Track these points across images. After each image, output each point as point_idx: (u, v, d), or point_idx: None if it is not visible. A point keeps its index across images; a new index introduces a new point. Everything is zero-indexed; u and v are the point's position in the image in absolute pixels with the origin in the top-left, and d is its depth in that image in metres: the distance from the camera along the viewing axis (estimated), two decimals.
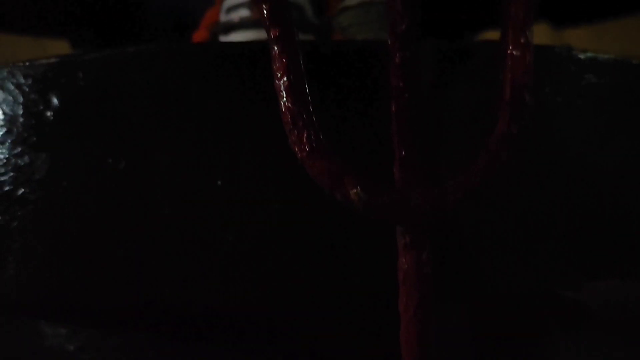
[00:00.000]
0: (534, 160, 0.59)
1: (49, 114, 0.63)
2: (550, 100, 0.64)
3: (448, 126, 0.53)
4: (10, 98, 0.64)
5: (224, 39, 1.37)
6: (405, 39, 0.45)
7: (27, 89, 0.64)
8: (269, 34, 0.44)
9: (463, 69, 0.64)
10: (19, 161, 0.64)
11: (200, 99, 0.61)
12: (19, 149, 0.64)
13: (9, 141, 0.64)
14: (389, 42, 0.46)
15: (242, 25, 1.33)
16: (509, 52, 0.45)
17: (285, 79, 0.42)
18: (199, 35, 1.47)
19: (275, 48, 0.43)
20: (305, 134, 0.42)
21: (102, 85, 0.62)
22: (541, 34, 3.63)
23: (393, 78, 0.45)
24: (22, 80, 0.65)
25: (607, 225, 0.64)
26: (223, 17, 1.39)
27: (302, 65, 0.44)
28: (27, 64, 0.65)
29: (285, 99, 0.42)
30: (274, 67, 0.44)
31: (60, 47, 3.48)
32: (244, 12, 1.34)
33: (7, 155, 0.64)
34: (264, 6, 0.43)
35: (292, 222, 0.56)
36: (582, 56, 0.69)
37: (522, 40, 0.44)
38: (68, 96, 0.62)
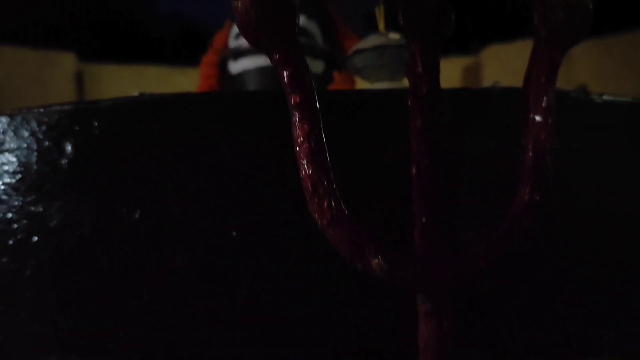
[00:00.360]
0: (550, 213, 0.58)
1: (63, 161, 0.63)
2: (566, 147, 0.63)
3: (468, 184, 0.53)
4: (25, 145, 0.63)
5: (233, 64, 1.37)
6: (426, 102, 0.44)
7: (41, 136, 0.64)
8: (289, 100, 0.44)
9: (481, 117, 0.64)
10: (33, 209, 0.63)
11: (216, 148, 0.61)
12: (33, 197, 0.64)
13: (23, 188, 0.64)
14: (409, 104, 0.46)
15: (251, 51, 1.33)
16: (530, 116, 0.44)
17: (306, 145, 0.41)
18: (208, 59, 1.47)
19: (296, 114, 0.42)
20: (325, 202, 0.41)
21: (117, 134, 0.62)
22: None
23: (414, 142, 0.45)
24: (36, 127, 0.65)
25: (627, 274, 0.63)
26: (232, 43, 1.39)
27: (323, 131, 0.44)
28: (42, 110, 0.65)
29: (305, 165, 0.42)
30: (295, 133, 0.43)
31: (66, 60, 3.50)
32: None
33: (21, 203, 0.64)
34: (285, 72, 0.43)
35: (308, 278, 0.55)
36: (598, 100, 0.69)
37: (543, 105, 0.44)
38: (82, 144, 0.62)
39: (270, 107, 0.60)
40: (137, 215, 0.61)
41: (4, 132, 0.67)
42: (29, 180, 0.64)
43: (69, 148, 0.64)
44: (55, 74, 3.42)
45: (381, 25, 0.83)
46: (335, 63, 1.42)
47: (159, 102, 0.63)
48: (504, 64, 3.61)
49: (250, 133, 0.61)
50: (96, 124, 0.63)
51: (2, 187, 0.66)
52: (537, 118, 0.43)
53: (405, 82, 0.79)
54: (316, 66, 1.37)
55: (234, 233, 0.60)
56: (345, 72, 1.39)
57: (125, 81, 3.72)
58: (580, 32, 0.46)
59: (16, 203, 0.64)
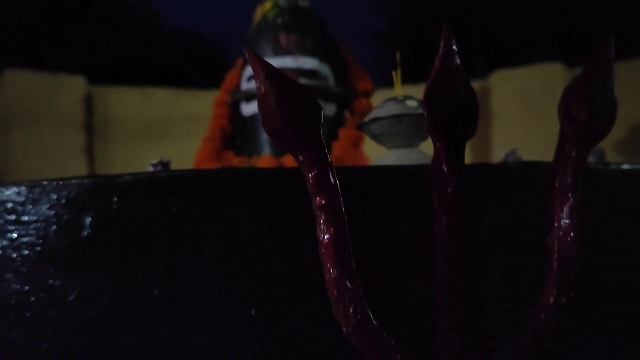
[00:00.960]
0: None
1: (82, 235, 0.62)
2: (586, 221, 0.62)
3: (490, 278, 0.52)
4: (43, 217, 0.63)
5: (245, 106, 1.38)
6: (452, 201, 0.44)
7: (60, 209, 0.64)
8: (314, 200, 0.44)
9: (500, 192, 0.63)
10: (51, 282, 0.63)
11: (236, 226, 0.61)
12: (51, 270, 0.63)
13: (41, 261, 0.64)
14: (434, 204, 0.46)
15: None
16: (556, 216, 0.44)
17: (331, 249, 0.41)
18: (220, 98, 1.48)
19: (321, 216, 0.42)
20: (351, 308, 0.41)
21: (136, 210, 0.62)
22: (555, 73, 3.59)
23: (438, 241, 0.44)
24: (55, 200, 0.65)
25: None
26: (245, 85, 1.40)
27: (348, 232, 0.43)
28: (61, 182, 0.65)
29: (330, 269, 0.42)
30: (320, 234, 0.43)
31: (76, 83, 3.52)
32: None
33: (38, 275, 0.63)
34: (310, 174, 0.43)
35: None
36: (617, 168, 0.68)
37: (569, 206, 0.43)
38: (102, 219, 0.62)
39: (291, 184, 0.60)
40: (155, 292, 0.61)
41: (22, 203, 0.67)
42: (47, 253, 0.64)
43: (88, 222, 0.63)
44: (65, 97, 3.44)
45: (398, 90, 0.83)
46: (347, 104, 1.42)
47: (179, 179, 0.62)
48: (512, 89, 3.62)
49: (271, 210, 0.61)
50: (115, 199, 0.63)
51: (20, 259, 0.66)
52: (564, 220, 0.43)
53: (423, 148, 0.79)
54: (328, 109, 1.37)
55: (253, 312, 0.60)
56: (356, 115, 1.40)
57: (133, 103, 3.74)
58: (607, 128, 0.46)
59: (34, 276, 0.64)
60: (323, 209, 0.44)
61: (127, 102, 3.76)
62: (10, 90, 3.31)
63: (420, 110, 0.77)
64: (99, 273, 0.63)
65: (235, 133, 1.44)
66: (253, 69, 0.48)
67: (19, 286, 0.65)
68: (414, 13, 9.47)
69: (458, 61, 0.47)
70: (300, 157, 0.44)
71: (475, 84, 3.98)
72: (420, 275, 0.49)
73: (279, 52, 1.35)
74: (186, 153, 3.87)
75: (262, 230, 0.60)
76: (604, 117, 0.47)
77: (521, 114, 3.61)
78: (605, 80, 0.50)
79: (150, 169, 0.73)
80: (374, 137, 0.82)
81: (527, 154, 3.57)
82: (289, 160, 1.24)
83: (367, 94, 1.43)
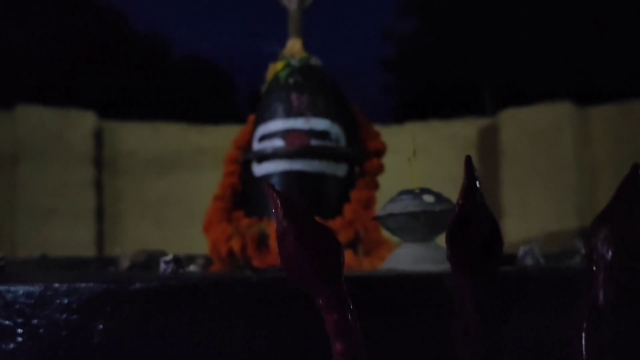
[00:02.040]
0: None
1: (93, 341, 0.62)
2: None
3: None
4: (53, 321, 0.63)
5: (257, 167, 1.37)
6: (473, 337, 0.43)
7: (71, 314, 0.63)
8: (333, 345, 0.42)
9: (521, 299, 0.62)
10: None
11: (250, 336, 0.60)
12: None
13: None
14: (454, 336, 0.44)
15: (275, 155, 1.33)
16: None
17: None
18: (231, 155, 1.48)
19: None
20: None
21: (148, 318, 0.61)
22: (564, 112, 3.58)
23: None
24: (66, 303, 0.64)
25: None
26: (256, 145, 1.39)
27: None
28: (74, 286, 0.64)
29: None
30: None
31: (86, 118, 3.55)
32: (277, 143, 1.34)
33: None
34: (329, 317, 0.42)
35: None
36: None
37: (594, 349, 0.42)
38: (113, 325, 0.61)
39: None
40: None
41: (33, 305, 0.66)
42: (57, 358, 0.63)
43: (99, 328, 0.63)
44: (76, 131, 3.47)
45: (414, 182, 0.82)
46: (359, 163, 1.42)
47: (191, 288, 0.62)
48: (521, 127, 3.62)
49: (286, 319, 0.60)
50: (127, 306, 0.62)
51: None
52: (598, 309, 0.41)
53: (439, 242, 0.78)
54: (340, 169, 1.37)
55: None
56: (368, 175, 1.39)
57: (143, 137, 3.76)
58: (635, 260, 0.44)
59: None
60: (343, 355, 0.42)
61: (136, 136, 3.79)
62: (21, 125, 3.35)
63: (437, 208, 0.76)
64: None
65: (245, 192, 1.43)
66: (273, 206, 0.47)
67: None
68: (422, 42, 9.56)
69: (482, 196, 0.47)
70: (320, 301, 0.43)
71: (485, 121, 3.99)
72: None
73: (291, 113, 1.35)
74: (194, 186, 3.88)
75: (276, 340, 0.59)
76: (632, 255, 0.46)
77: (530, 152, 3.60)
78: (633, 214, 0.49)
79: (163, 265, 0.72)
80: (390, 230, 0.81)
81: (535, 192, 3.55)
82: None
83: (379, 154, 1.42)
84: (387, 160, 1.47)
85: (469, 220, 0.46)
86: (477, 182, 0.47)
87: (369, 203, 1.35)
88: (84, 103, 3.81)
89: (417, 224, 0.76)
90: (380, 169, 1.40)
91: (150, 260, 1.28)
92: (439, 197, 0.80)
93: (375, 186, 1.38)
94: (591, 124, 3.60)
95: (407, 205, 0.76)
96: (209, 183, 3.87)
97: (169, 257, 0.71)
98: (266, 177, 1.35)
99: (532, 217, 3.58)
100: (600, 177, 3.62)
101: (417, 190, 0.80)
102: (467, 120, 3.96)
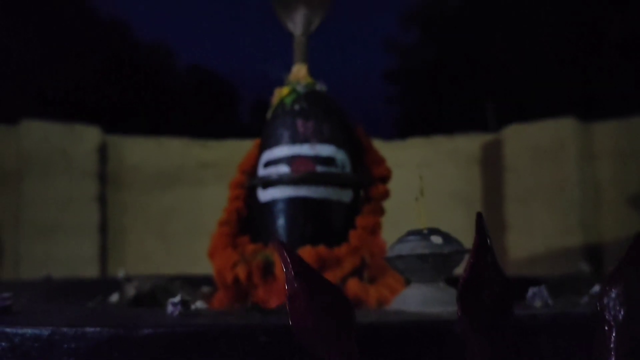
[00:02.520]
0: None
1: None
2: None
3: None
4: None
5: (262, 193, 1.37)
6: None
7: (78, 358, 0.63)
8: None
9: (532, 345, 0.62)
10: None
11: None
12: None
13: None
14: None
15: (280, 181, 1.34)
16: None
17: None
18: (237, 180, 1.48)
19: None
20: None
21: None
22: (567, 128, 3.57)
23: None
24: (73, 348, 0.64)
25: None
26: (261, 171, 1.40)
27: None
28: (82, 330, 0.64)
29: None
30: None
31: (91, 133, 3.55)
32: (283, 169, 1.34)
33: None
34: None
35: None
36: None
37: None
38: None
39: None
40: None
41: (40, 349, 0.66)
42: None
43: None
44: (80, 146, 3.48)
45: (422, 221, 0.82)
46: (364, 188, 1.42)
47: (201, 335, 0.62)
48: (524, 142, 3.62)
49: None
50: (135, 352, 0.62)
51: None
52: None
53: (451, 289, 0.78)
54: (345, 195, 1.37)
55: None
56: (374, 201, 1.39)
57: (147, 152, 3.77)
58: None
59: None
60: None
61: (140, 151, 3.79)
62: (26, 140, 3.35)
63: (445, 250, 0.77)
64: None
65: (250, 218, 1.44)
66: (283, 265, 0.47)
67: None
68: (425, 54, 9.59)
69: (493, 255, 0.47)
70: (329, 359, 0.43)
71: (489, 137, 3.99)
72: None
73: (297, 139, 1.35)
74: (198, 200, 3.89)
75: None
76: None
77: (534, 168, 3.60)
78: None
79: (170, 307, 0.72)
80: (399, 271, 0.82)
81: (539, 207, 3.53)
82: (304, 254, 1.23)
83: (385, 180, 1.42)
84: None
85: (481, 279, 0.46)
86: (488, 241, 0.47)
87: (374, 229, 1.35)
88: (88, 118, 3.82)
89: (426, 266, 0.76)
90: (385, 194, 1.40)
91: (155, 289, 1.28)
92: (447, 237, 0.80)
93: (381, 212, 1.38)
94: (594, 140, 3.60)
95: (416, 247, 0.76)
96: (212, 197, 3.89)
97: (177, 300, 0.71)
98: (271, 203, 1.35)
99: (536, 232, 3.57)
100: (604, 193, 3.61)
101: (425, 231, 0.81)
102: (471, 135, 3.96)
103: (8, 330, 0.70)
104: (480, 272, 0.46)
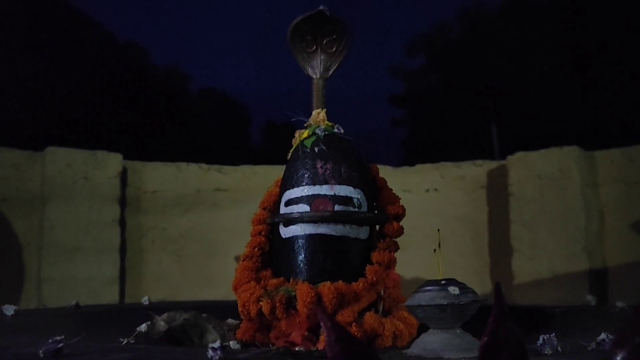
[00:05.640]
0: None
1: None
2: None
3: None
4: None
5: (284, 229, 1.49)
6: None
7: None
8: None
9: None
10: None
11: None
12: None
13: None
14: None
15: (301, 220, 1.46)
16: None
17: None
18: (259, 216, 1.60)
19: None
20: None
21: None
22: (571, 156, 3.70)
23: None
24: None
25: None
26: (283, 209, 1.51)
27: None
28: None
29: None
30: None
31: (113, 160, 3.69)
32: (303, 207, 1.46)
33: None
34: None
35: None
36: None
37: None
38: None
39: None
40: None
41: None
42: None
43: None
44: (102, 172, 3.63)
45: (440, 272, 0.94)
46: (379, 225, 1.54)
47: None
48: (529, 170, 3.73)
49: None
50: None
51: None
52: None
53: (467, 335, 0.89)
54: (362, 232, 1.48)
55: None
56: (388, 238, 1.50)
57: (165, 177, 3.92)
58: None
59: None
60: None
61: (159, 176, 3.93)
62: (50, 166, 3.50)
63: (462, 300, 0.88)
64: None
65: (273, 252, 1.56)
66: (325, 329, 0.58)
67: None
68: (430, 80, 9.75)
69: (511, 321, 0.58)
70: None
71: (495, 164, 4.10)
72: None
73: (317, 180, 1.47)
74: (214, 223, 4.02)
75: None
76: None
77: (538, 194, 3.69)
78: None
79: (210, 353, 0.83)
80: (418, 318, 0.93)
81: (544, 233, 3.61)
82: (324, 289, 1.34)
83: (399, 218, 1.54)
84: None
85: (500, 342, 0.57)
86: (506, 308, 0.58)
87: (389, 264, 1.46)
88: (110, 145, 3.97)
89: (444, 315, 0.88)
90: (399, 232, 1.51)
91: (185, 324, 1.40)
92: (463, 287, 0.91)
93: (396, 248, 1.50)
94: (598, 168, 3.70)
95: (435, 297, 0.88)
96: (227, 220, 4.02)
97: (217, 345, 0.82)
98: (293, 239, 1.47)
99: (542, 256, 3.65)
100: (608, 219, 3.70)
101: (443, 282, 0.92)
102: (477, 163, 4.07)
103: None
104: (500, 336, 0.57)
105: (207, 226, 3.99)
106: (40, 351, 0.86)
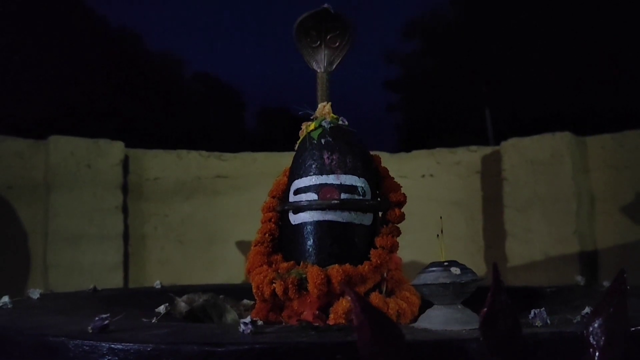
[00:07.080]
0: None
1: None
2: None
3: None
4: None
5: (293, 216, 1.58)
6: None
7: None
8: None
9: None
10: None
11: None
12: None
13: None
14: None
15: (309, 207, 1.54)
16: None
17: None
18: (268, 204, 1.68)
19: None
20: None
21: None
22: (563, 142, 3.80)
23: None
24: None
25: None
26: (292, 197, 1.60)
27: None
28: (176, 347, 0.84)
29: None
30: None
31: (115, 148, 3.76)
32: (311, 196, 1.55)
33: None
34: None
35: None
36: None
37: None
38: None
39: None
40: None
41: None
42: None
43: None
44: (105, 160, 3.70)
45: (442, 254, 1.03)
46: (382, 212, 1.62)
47: (275, 350, 0.82)
48: (522, 155, 3.83)
49: None
50: None
51: None
52: None
53: (468, 310, 0.99)
54: (366, 219, 1.57)
55: None
56: (391, 225, 1.59)
57: (166, 164, 3.99)
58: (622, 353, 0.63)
59: None
60: None
61: (160, 163, 4.01)
62: (53, 155, 3.56)
63: (463, 279, 0.98)
64: None
65: (283, 238, 1.65)
66: (352, 303, 0.67)
67: None
68: (425, 64, 9.81)
69: (506, 295, 0.67)
70: None
71: (488, 150, 4.20)
72: None
73: (324, 170, 1.55)
74: (214, 210, 4.10)
75: None
76: (619, 343, 0.65)
77: (531, 179, 3.80)
78: (620, 311, 0.68)
79: (242, 327, 0.91)
80: (424, 295, 1.03)
81: (537, 217, 3.72)
82: (333, 272, 1.43)
83: (400, 205, 1.63)
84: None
85: (497, 313, 0.66)
86: (503, 284, 0.67)
87: (392, 248, 1.55)
88: (112, 133, 4.03)
89: (447, 292, 0.98)
90: (401, 218, 1.60)
91: (205, 305, 1.49)
92: (464, 268, 1.02)
93: (398, 233, 1.59)
94: (589, 153, 3.81)
95: (438, 276, 0.99)
96: (227, 206, 4.11)
97: (247, 320, 0.91)
98: (302, 226, 1.56)
99: (534, 240, 3.77)
100: (599, 204, 3.82)
101: (445, 263, 1.02)
102: (472, 148, 4.18)
103: (114, 346, 0.89)
104: (497, 307, 0.66)
105: (208, 212, 4.08)
106: (89, 327, 0.94)
